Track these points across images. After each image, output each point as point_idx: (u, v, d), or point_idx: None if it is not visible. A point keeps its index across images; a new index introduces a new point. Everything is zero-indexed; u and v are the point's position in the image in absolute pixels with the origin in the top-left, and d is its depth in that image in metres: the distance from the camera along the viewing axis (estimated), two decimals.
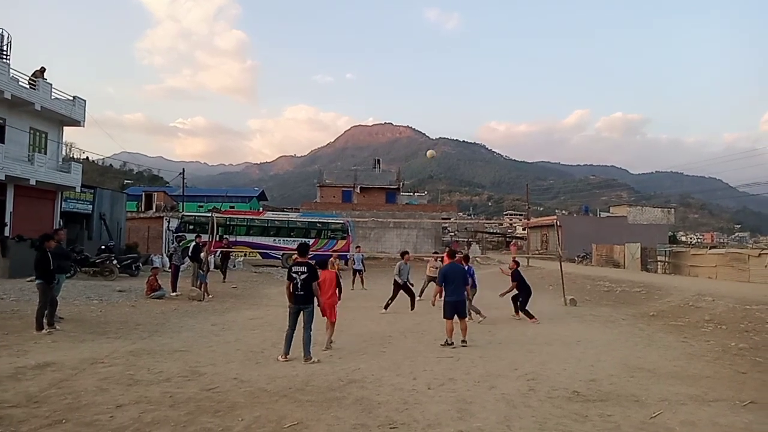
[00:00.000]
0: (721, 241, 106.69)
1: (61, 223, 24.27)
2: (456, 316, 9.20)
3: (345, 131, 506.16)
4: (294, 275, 7.72)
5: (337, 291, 8.68)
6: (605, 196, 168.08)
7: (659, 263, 30.39)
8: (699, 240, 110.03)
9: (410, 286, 14.37)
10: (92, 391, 5.88)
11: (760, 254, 22.57)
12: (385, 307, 13.65)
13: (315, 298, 7.87)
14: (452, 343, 9.06)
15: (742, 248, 34.24)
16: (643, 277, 24.80)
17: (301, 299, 7.75)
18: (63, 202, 24.88)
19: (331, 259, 14.29)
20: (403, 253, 14.92)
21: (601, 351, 8.86)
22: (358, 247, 22.27)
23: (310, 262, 8.02)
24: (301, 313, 7.80)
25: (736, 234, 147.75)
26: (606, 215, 60.21)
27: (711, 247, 38.28)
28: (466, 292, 9.74)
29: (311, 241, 30.21)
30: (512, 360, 8.05)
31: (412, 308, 13.81)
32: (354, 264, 20.61)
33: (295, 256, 8.15)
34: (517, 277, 12.95)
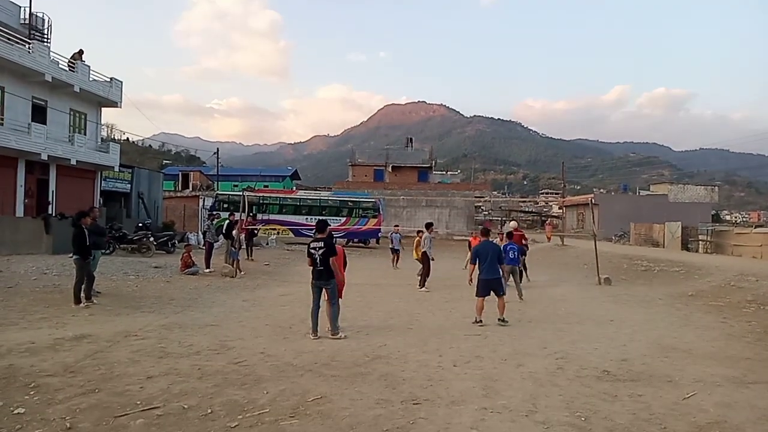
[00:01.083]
0: None
1: (101, 202, 25.09)
2: (493, 294, 9.10)
3: (378, 110, 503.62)
4: (312, 251, 7.74)
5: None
6: (646, 174, 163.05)
7: (701, 242, 29.33)
8: (744, 219, 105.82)
9: (431, 260, 14.18)
10: (125, 362, 6.05)
11: None
12: (422, 285, 13.56)
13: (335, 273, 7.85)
14: (481, 321, 8.97)
15: None
16: (684, 256, 23.97)
17: (322, 275, 7.75)
18: (102, 181, 25.65)
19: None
20: (428, 225, 14.77)
21: (635, 331, 8.62)
22: (396, 225, 22.03)
23: (327, 238, 7.96)
24: (323, 289, 7.82)
25: None
26: (646, 193, 58.46)
27: (757, 226, 36.75)
28: (501, 270, 9.56)
29: (343, 219, 30.41)
30: (542, 339, 7.91)
31: (419, 283, 13.66)
32: (393, 243, 20.25)
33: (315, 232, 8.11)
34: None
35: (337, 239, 15.54)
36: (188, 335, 7.60)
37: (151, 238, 19.91)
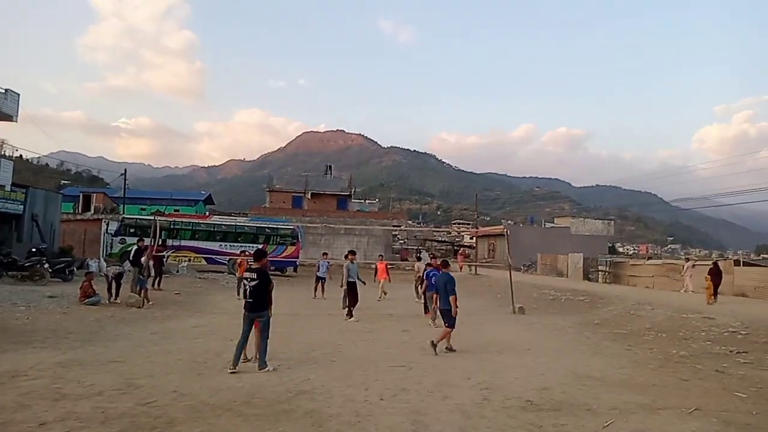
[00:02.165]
0: (655, 252, 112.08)
1: None
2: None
3: (296, 137, 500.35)
4: (245, 281, 7.56)
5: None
6: (549, 208, 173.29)
7: (600, 273, 31.44)
8: (635, 251, 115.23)
9: (362, 284, 14.22)
10: (11, 407, 5.34)
11: (694, 265, 23.69)
12: (349, 315, 13.34)
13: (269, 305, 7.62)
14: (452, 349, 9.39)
15: (675, 259, 35.90)
16: (586, 286, 25.53)
17: (254, 307, 7.48)
18: None
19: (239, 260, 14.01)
20: (350, 252, 14.69)
21: (550, 359, 8.93)
22: (324, 253, 21.53)
23: (260, 268, 7.67)
24: (254, 321, 7.54)
25: (669, 246, 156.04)
26: (550, 226, 62.03)
27: (648, 258, 40.03)
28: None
29: (260, 246, 29.50)
30: (465, 369, 7.97)
31: (347, 313, 13.51)
32: (317, 270, 19.58)
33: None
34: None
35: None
36: (89, 373, 6.88)
37: (46, 265, 18.14)
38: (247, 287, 7.51)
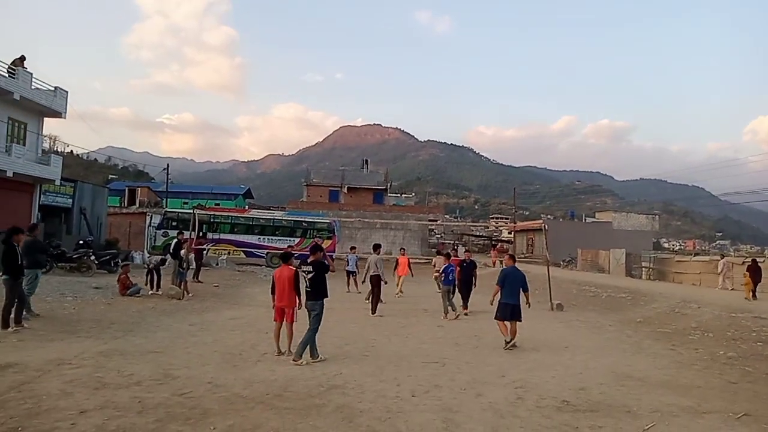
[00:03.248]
0: (703, 248, 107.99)
1: (39, 217, 23.67)
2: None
3: (334, 131, 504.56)
4: (302, 274, 8.05)
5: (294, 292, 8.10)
6: (590, 202, 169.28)
7: (644, 269, 30.48)
8: (681, 247, 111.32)
9: (383, 283, 13.96)
10: (55, 394, 5.53)
11: (743, 262, 22.65)
12: (373, 311, 13.26)
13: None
14: (510, 341, 9.22)
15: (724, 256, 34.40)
16: (628, 282, 24.78)
17: (308, 295, 7.90)
18: (42, 195, 24.23)
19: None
20: (376, 246, 14.61)
21: (589, 358, 8.67)
22: (353, 247, 21.58)
23: (318, 260, 7.98)
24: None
25: (717, 242, 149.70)
26: (591, 221, 60.57)
27: (695, 255, 38.56)
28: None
29: (297, 240, 29.84)
30: (499, 366, 7.82)
31: (371, 309, 13.34)
32: (347, 265, 19.68)
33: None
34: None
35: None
36: (128, 363, 7.08)
37: (93, 257, 18.82)
38: (305, 279, 7.90)
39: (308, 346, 7.69)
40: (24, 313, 9.29)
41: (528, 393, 6.34)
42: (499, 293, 9.56)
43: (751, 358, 8.83)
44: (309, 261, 8.10)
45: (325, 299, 7.92)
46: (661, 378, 7.36)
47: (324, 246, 30.55)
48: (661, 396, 6.36)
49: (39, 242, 10.32)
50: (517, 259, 10.92)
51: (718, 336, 10.87)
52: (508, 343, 9.18)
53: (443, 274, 13.69)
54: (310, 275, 7.88)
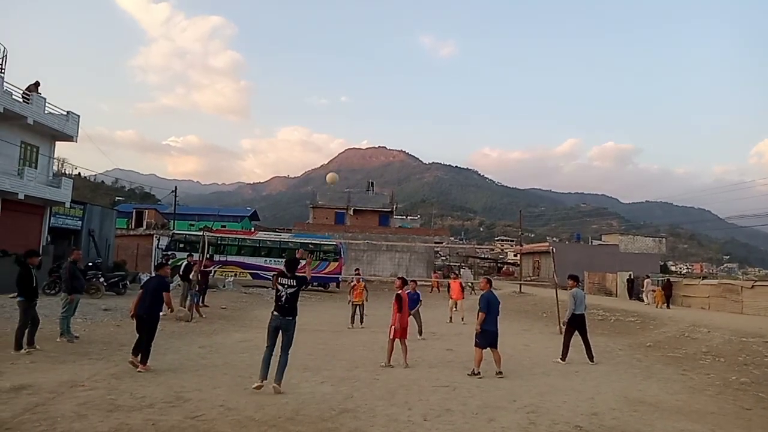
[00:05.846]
0: (711, 271, 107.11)
1: (48, 239, 23.85)
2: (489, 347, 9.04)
3: (339, 153, 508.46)
4: (279, 287, 7.32)
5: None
6: (596, 224, 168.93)
7: (651, 292, 30.23)
8: (689, 270, 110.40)
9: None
10: (69, 417, 5.56)
11: (753, 286, 22.50)
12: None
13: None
14: (479, 373, 8.81)
15: (731, 279, 34.20)
16: (636, 306, 24.62)
17: (284, 311, 7.26)
18: (52, 218, 24.47)
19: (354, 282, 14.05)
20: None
21: (600, 382, 8.62)
22: (357, 270, 21.54)
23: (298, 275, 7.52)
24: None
25: (725, 265, 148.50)
26: (598, 243, 60.26)
27: (702, 278, 38.25)
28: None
29: (303, 262, 29.84)
30: (510, 391, 7.79)
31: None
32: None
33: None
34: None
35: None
36: (140, 385, 7.10)
37: (101, 279, 18.95)
38: (283, 293, 7.25)
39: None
40: (61, 337, 9.93)
41: (540, 418, 6.31)
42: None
43: (765, 384, 8.76)
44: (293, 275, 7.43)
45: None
46: (674, 403, 7.31)
47: (330, 268, 30.70)
48: (675, 422, 6.33)
49: (77, 268, 10.73)
50: (493, 283, 10.47)
51: (729, 361, 10.79)
52: (477, 375, 8.77)
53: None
54: (291, 289, 7.31)
